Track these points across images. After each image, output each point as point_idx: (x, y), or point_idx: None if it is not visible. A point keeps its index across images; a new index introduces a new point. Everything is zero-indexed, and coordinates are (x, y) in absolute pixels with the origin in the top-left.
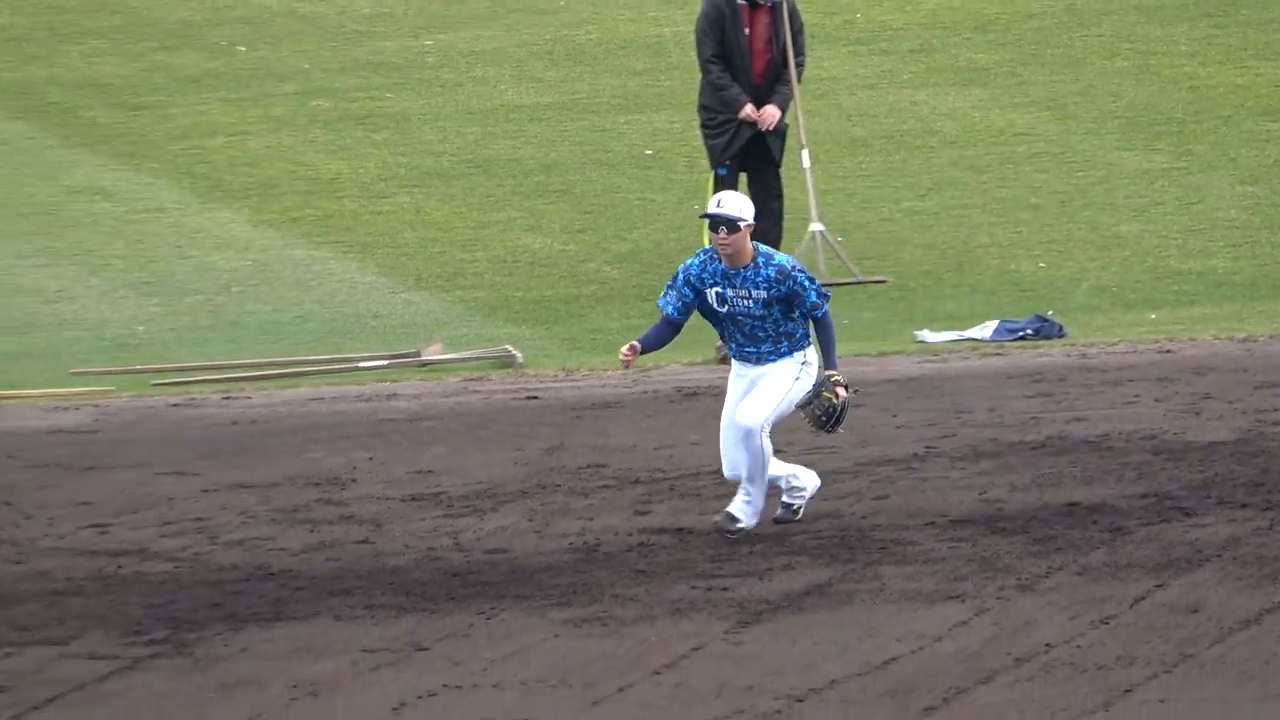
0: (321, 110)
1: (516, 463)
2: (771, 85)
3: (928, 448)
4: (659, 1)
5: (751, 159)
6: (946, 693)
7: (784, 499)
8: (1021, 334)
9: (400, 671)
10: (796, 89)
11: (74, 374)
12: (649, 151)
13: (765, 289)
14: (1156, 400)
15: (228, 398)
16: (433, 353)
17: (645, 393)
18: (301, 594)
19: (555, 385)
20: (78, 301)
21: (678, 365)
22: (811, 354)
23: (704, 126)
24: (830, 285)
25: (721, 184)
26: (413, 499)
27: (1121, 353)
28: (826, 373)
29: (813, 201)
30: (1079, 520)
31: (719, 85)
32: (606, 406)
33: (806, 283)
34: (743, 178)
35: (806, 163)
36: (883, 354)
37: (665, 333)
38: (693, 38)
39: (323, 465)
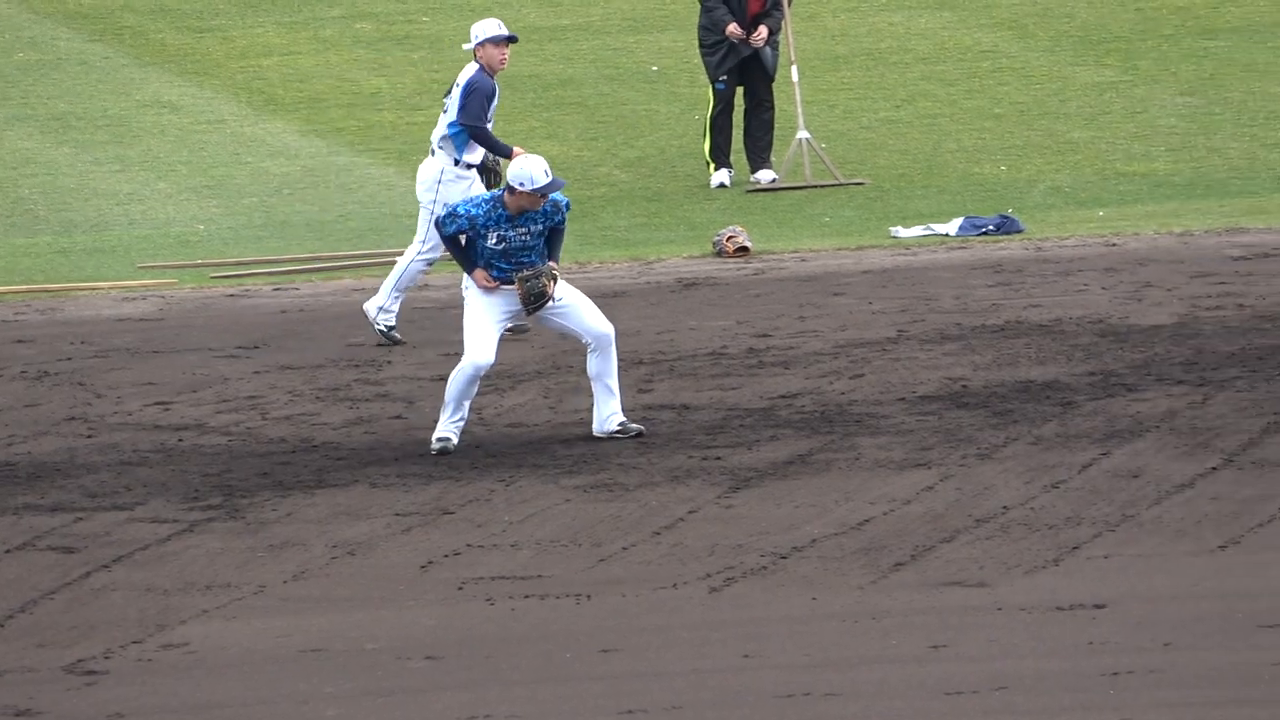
0: (364, 32)
1: (534, 346)
2: (766, 10)
3: (899, 331)
4: None
5: (747, 73)
6: (914, 550)
7: (449, 431)
8: (985, 229)
9: (428, 533)
10: (787, 12)
11: (141, 268)
12: (654, 68)
13: (543, 222)
14: (1103, 289)
15: (278, 289)
16: None
17: (649, 283)
18: (341, 464)
19: (569, 276)
20: (146, 203)
21: (678, 259)
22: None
23: (702, 45)
24: (814, 187)
25: (719, 96)
26: (441, 379)
27: (1072, 246)
28: (549, 264)
29: (800, 111)
30: (1033, 395)
31: (709, 7)
32: (614, 295)
33: (565, 207)
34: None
35: (795, 77)
36: (860, 248)
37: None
38: None
39: (362, 349)
